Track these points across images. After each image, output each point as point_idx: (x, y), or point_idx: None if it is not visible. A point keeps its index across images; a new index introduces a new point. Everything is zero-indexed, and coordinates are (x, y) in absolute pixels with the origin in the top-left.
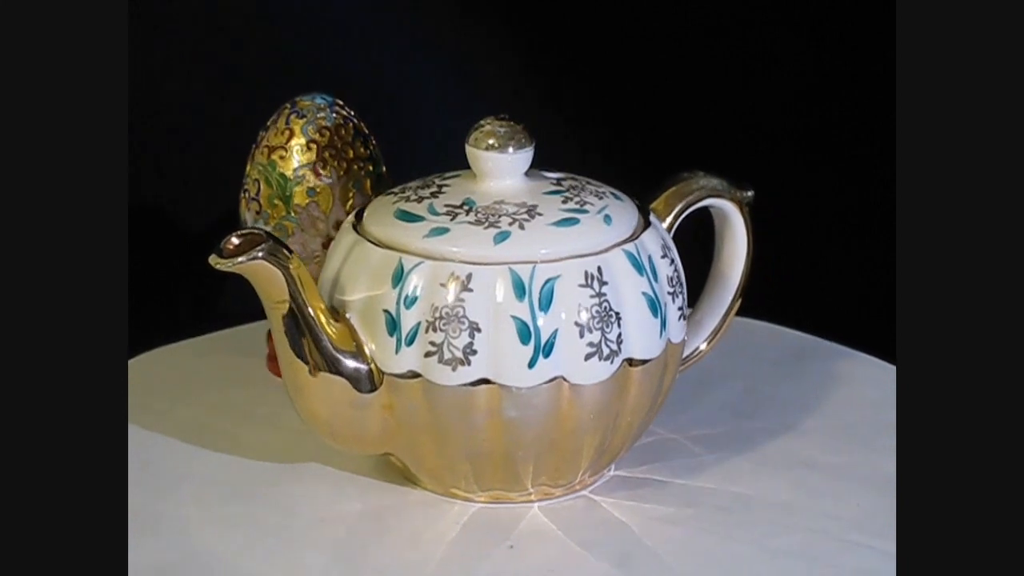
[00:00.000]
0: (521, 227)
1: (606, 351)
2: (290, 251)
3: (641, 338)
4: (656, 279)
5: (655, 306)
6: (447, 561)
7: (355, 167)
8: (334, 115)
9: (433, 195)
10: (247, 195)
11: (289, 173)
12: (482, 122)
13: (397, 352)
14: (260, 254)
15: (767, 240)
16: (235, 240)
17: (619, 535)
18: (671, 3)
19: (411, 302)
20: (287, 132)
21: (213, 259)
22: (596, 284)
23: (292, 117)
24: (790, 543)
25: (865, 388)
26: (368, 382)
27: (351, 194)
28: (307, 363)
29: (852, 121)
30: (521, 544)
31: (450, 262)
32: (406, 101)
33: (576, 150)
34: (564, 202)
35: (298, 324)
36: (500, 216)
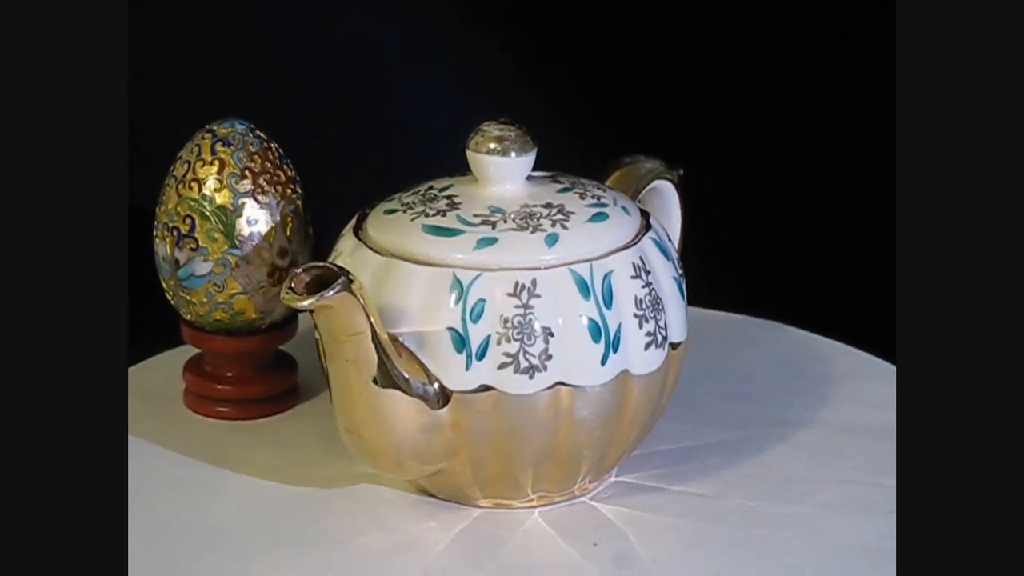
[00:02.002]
0: (564, 227)
1: (660, 338)
2: (351, 276)
3: (677, 321)
4: (675, 263)
5: (681, 289)
6: (593, 563)
7: (288, 190)
8: (257, 140)
9: (449, 206)
10: (175, 233)
11: (228, 204)
12: (482, 126)
13: (468, 368)
14: (338, 288)
15: (767, 239)
16: (304, 276)
17: (694, 506)
18: (668, 4)
19: (477, 316)
20: (216, 162)
21: (289, 298)
22: (644, 274)
23: (218, 146)
24: (840, 496)
25: (809, 357)
26: (438, 402)
27: (289, 218)
28: (386, 389)
29: (853, 121)
30: (614, 537)
31: (510, 270)
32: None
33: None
34: (582, 198)
35: (378, 353)
36: (539, 219)
